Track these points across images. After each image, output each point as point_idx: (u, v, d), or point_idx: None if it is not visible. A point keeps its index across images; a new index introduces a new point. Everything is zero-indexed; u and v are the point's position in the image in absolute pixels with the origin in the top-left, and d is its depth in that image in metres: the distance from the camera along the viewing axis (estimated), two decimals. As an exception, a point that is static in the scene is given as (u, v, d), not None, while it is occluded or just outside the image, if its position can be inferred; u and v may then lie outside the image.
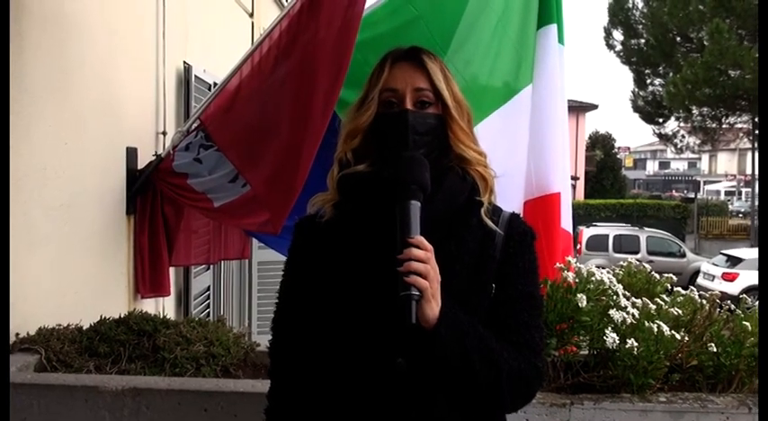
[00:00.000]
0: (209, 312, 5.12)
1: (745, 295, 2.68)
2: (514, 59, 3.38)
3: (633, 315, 2.04)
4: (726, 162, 54.87)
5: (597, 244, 19.55)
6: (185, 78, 4.49)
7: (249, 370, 2.45)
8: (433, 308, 1.26)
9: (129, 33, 3.69)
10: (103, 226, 3.41)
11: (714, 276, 16.95)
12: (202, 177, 3.44)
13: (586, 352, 2.20)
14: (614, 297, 2.12)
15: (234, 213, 3.49)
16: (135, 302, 3.72)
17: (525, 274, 1.43)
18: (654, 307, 2.14)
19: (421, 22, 3.28)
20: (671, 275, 2.65)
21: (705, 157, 55.23)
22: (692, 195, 38.95)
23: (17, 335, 2.54)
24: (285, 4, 3.86)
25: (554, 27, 3.38)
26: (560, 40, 3.45)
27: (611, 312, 2.04)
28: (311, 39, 3.10)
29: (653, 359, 2.02)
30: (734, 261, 17.66)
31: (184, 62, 4.48)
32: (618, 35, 24.44)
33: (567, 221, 3.24)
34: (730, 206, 37.49)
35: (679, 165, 62.04)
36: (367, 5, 3.09)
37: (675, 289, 2.48)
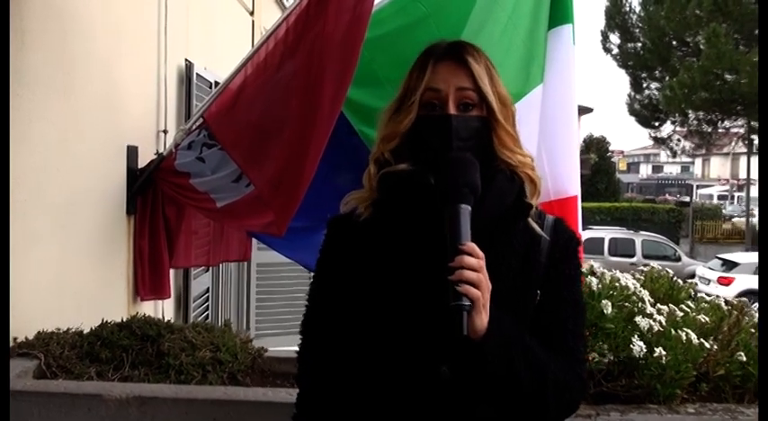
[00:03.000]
0: (208, 315, 5.03)
1: (745, 298, 2.62)
2: (525, 59, 3.31)
3: (660, 322, 1.96)
4: (719, 166, 55.08)
5: (593, 247, 19.50)
6: (187, 76, 4.41)
7: (257, 376, 2.37)
8: (483, 318, 1.21)
9: (130, 30, 3.61)
10: (103, 226, 3.32)
11: (710, 280, 16.98)
12: (205, 177, 3.36)
13: (606, 360, 2.12)
14: (639, 303, 2.04)
15: (237, 214, 3.40)
16: (134, 305, 3.63)
17: (570, 281, 1.39)
18: (681, 314, 2.07)
19: (429, 20, 3.21)
20: (695, 281, 2.58)
21: (698, 161, 55.45)
22: (686, 199, 39.07)
23: (15, 339, 2.45)
24: (286, 3, 3.78)
25: (569, 27, 3.31)
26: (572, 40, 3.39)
27: (638, 319, 1.96)
28: (318, 35, 3.02)
29: (681, 368, 1.94)
30: (729, 265, 17.71)
31: (186, 59, 4.40)
32: (615, 38, 24.47)
33: (580, 227, 3.18)
34: (724, 210, 37.57)
35: (672, 169, 62.20)
36: (374, 2, 3.02)
37: (699, 295, 2.42)
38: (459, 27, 3.18)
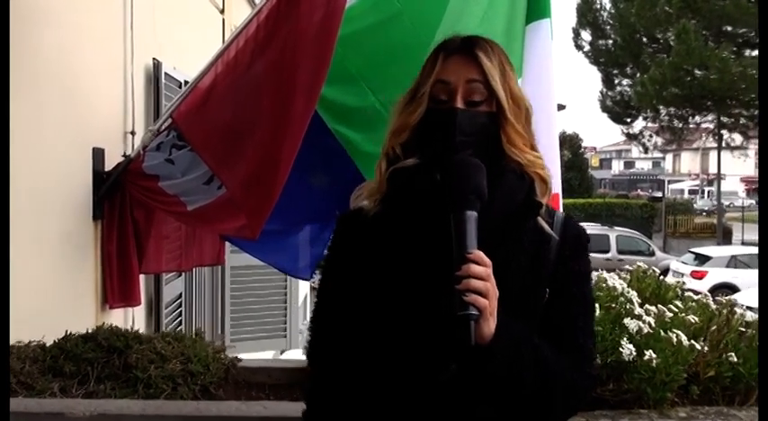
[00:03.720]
0: (181, 321, 4.89)
1: (735, 297, 2.57)
2: (502, 54, 3.24)
3: (650, 323, 1.90)
4: (689, 161, 55.86)
5: (568, 243, 19.55)
6: (155, 75, 4.27)
7: (231, 388, 2.26)
8: (491, 325, 1.20)
9: (95, 27, 3.47)
10: (68, 232, 3.19)
11: (683, 274, 17.13)
12: (175, 179, 3.24)
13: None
14: (627, 304, 1.97)
15: (209, 217, 3.29)
16: (102, 314, 3.49)
17: (580, 278, 1.39)
18: (670, 314, 2.01)
19: (404, 16, 3.14)
20: (682, 281, 2.53)
21: (669, 157, 56.18)
22: (658, 194, 39.55)
23: (-28, 353, 2.31)
24: (257, 0, 3.68)
25: (547, 22, 3.26)
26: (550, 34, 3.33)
27: (626, 321, 1.90)
28: (290, 32, 2.92)
29: (671, 371, 1.88)
30: (702, 259, 17.93)
31: (154, 58, 4.26)
32: (586, 36, 24.64)
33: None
34: (695, 204, 38.10)
35: (643, 165, 62.92)
36: (348, -2, 2.93)
37: (687, 294, 2.36)
38: (433, 23, 3.10)
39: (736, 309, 2.16)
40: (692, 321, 2.08)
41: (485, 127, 1.32)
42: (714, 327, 2.10)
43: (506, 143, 1.34)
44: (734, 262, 17.57)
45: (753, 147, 26.34)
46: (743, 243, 24.50)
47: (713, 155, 31.59)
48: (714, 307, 2.25)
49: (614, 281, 2.05)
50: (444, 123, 1.32)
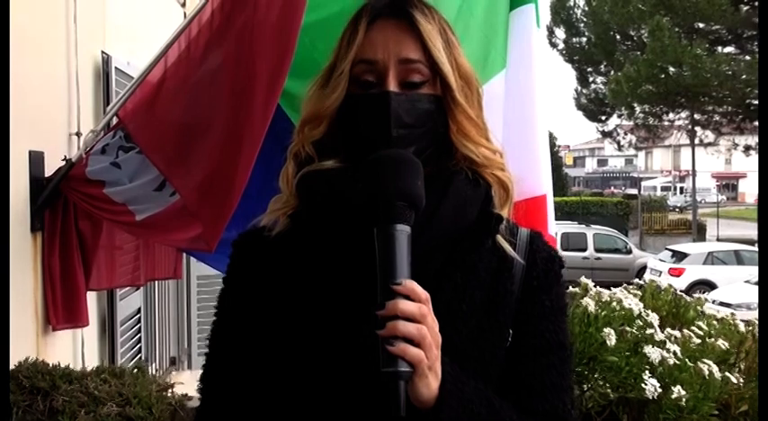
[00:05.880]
0: (140, 337, 4.53)
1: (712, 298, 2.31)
2: (482, 44, 2.99)
3: (675, 353, 1.60)
4: (661, 158, 56.59)
5: (546, 243, 19.50)
6: (104, 70, 3.90)
7: (178, 433, 1.93)
8: (430, 384, 0.88)
9: (31, 15, 3.10)
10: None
11: (661, 272, 17.17)
12: (122, 185, 2.91)
13: (604, 401, 1.75)
14: (646, 328, 1.68)
15: (160, 228, 2.96)
16: (45, 337, 3.12)
17: (553, 316, 1.05)
18: (697, 340, 1.71)
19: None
20: (704, 297, 2.24)
21: (641, 154, 56.84)
22: (632, 191, 39.86)
23: None
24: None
25: (531, 8, 2.99)
26: (537, 22, 3.07)
27: (647, 349, 1.60)
28: (249, 19, 2.65)
29: (701, 409, 1.59)
30: (679, 256, 18.01)
31: (103, 52, 3.89)
32: (560, 33, 24.73)
33: (552, 226, 2.84)
34: (668, 201, 38.53)
35: (617, 163, 63.60)
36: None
37: (708, 312, 2.08)
38: (408, 11, 2.83)
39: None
40: (723, 347, 1.79)
41: (429, 115, 1.01)
42: (744, 352, 1.82)
43: (457, 134, 1.03)
44: (710, 258, 17.67)
45: (724, 143, 26.59)
46: (718, 239, 24.69)
47: (684, 151, 31.89)
48: (743, 327, 1.97)
49: (630, 301, 1.75)
50: (374, 114, 0.99)
